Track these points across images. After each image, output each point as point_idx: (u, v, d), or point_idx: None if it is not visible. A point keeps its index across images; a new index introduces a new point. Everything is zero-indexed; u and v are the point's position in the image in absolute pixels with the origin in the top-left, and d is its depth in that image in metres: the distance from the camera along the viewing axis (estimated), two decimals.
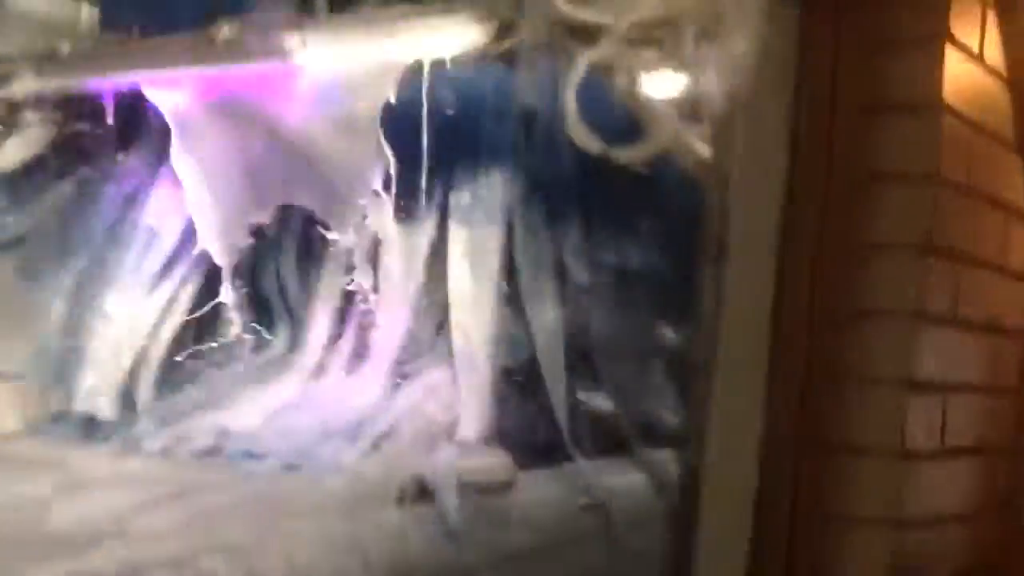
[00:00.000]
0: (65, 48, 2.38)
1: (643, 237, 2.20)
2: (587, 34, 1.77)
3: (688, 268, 1.58)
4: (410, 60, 1.93)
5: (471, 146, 2.12)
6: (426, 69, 1.92)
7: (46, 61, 2.39)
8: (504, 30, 1.85)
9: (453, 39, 1.88)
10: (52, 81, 2.42)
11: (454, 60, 1.89)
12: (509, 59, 1.90)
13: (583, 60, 1.75)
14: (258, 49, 1.98)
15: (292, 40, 1.96)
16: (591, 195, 2.12)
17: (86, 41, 2.56)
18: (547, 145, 2.01)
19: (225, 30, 1.99)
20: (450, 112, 2.00)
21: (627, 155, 1.75)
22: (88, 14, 2.94)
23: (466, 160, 2.12)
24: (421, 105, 1.95)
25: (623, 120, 1.82)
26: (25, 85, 2.44)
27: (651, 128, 1.74)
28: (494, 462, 1.92)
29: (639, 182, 1.87)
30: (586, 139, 1.74)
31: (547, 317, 2.08)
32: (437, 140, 1.99)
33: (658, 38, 1.78)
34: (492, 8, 1.85)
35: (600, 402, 2.09)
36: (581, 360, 2.10)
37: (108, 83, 2.43)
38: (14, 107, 2.59)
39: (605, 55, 1.76)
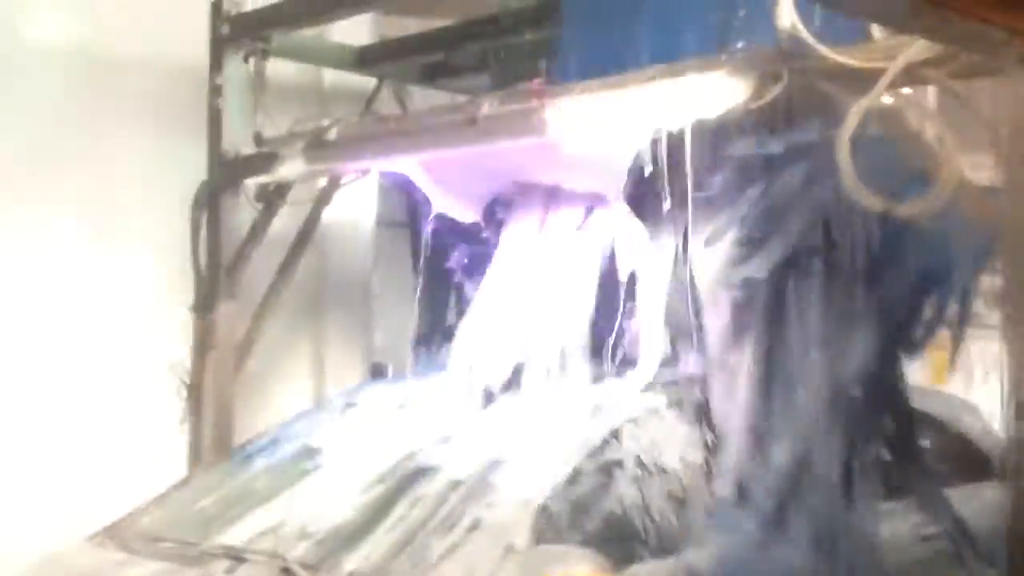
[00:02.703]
0: (332, 131, 2.46)
1: None
2: (857, 81, 1.68)
3: None
4: (668, 122, 1.89)
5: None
6: (687, 131, 1.88)
7: (313, 144, 2.49)
8: (765, 83, 1.78)
9: (713, 96, 1.82)
10: (319, 164, 2.53)
11: (717, 118, 1.83)
12: (771, 113, 1.83)
13: (856, 109, 1.65)
14: (517, 126, 2.01)
15: (549, 113, 1.97)
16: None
17: (351, 122, 2.63)
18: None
19: (485, 107, 2.02)
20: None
21: (913, 208, 1.64)
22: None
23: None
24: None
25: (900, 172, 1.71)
26: (294, 168, 2.57)
27: (941, 174, 1.61)
28: None
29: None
30: (866, 196, 1.63)
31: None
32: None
33: (927, 77, 1.67)
34: (752, 60, 1.78)
35: None
36: None
37: (372, 164, 2.53)
38: (280, 189, 2.73)
39: (879, 101, 1.66)
